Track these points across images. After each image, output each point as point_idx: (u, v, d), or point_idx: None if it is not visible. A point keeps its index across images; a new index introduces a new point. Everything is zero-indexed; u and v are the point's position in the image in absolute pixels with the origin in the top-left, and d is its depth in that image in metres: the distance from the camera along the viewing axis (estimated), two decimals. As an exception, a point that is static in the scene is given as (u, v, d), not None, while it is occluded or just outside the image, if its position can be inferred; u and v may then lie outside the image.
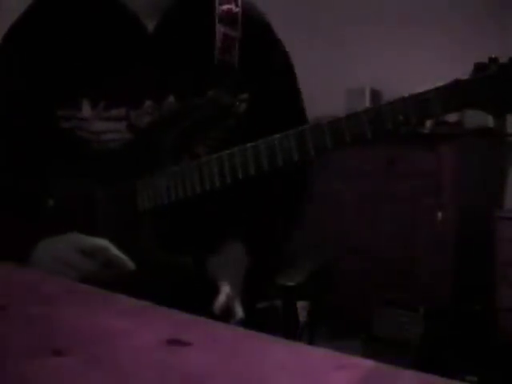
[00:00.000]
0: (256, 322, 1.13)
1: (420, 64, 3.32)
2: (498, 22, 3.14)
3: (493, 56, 0.94)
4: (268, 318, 1.19)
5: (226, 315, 0.98)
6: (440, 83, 0.95)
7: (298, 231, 1.22)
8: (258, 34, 1.15)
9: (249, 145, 1.00)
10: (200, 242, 1.11)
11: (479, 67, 0.94)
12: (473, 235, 2.93)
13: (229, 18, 1.12)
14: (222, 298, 1.00)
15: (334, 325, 2.93)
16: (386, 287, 3.01)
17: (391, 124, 0.95)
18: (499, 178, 3.17)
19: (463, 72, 0.93)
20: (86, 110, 1.09)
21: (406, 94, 0.95)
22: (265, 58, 1.16)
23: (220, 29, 1.11)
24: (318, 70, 3.40)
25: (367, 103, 3.44)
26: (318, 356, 0.50)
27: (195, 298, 0.94)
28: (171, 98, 1.09)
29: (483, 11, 3.19)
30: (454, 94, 0.94)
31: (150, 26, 1.11)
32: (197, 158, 1.05)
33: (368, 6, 3.51)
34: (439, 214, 2.89)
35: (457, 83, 0.94)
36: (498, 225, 2.81)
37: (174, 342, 0.51)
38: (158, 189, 1.04)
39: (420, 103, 0.94)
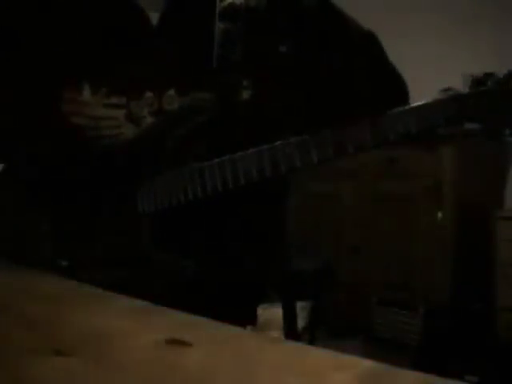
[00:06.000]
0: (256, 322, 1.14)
1: (419, 65, 3.32)
2: (496, 26, 3.14)
3: (488, 71, 0.99)
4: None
5: None
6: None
7: (298, 231, 1.22)
8: (262, 25, 1.15)
9: (251, 150, 1.01)
10: (200, 245, 1.11)
11: (477, 81, 0.97)
12: (473, 235, 2.93)
13: (230, 13, 1.12)
14: None
15: (334, 325, 2.93)
16: (386, 287, 3.01)
17: (393, 135, 0.97)
18: (499, 177, 3.17)
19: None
20: (87, 93, 1.09)
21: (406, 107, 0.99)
22: (270, 46, 1.15)
23: (219, 25, 1.11)
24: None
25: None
26: (318, 356, 0.50)
27: (195, 300, 0.94)
28: (172, 92, 1.09)
29: (482, 15, 3.20)
30: (454, 108, 0.97)
31: (154, 17, 1.12)
32: (198, 159, 1.05)
33: (368, 7, 3.51)
34: (439, 214, 2.90)
35: (457, 97, 0.97)
36: (498, 225, 2.81)
37: (174, 342, 0.51)
38: (159, 192, 1.04)
39: (421, 115, 0.97)
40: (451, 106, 0.97)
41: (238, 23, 1.11)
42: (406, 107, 0.99)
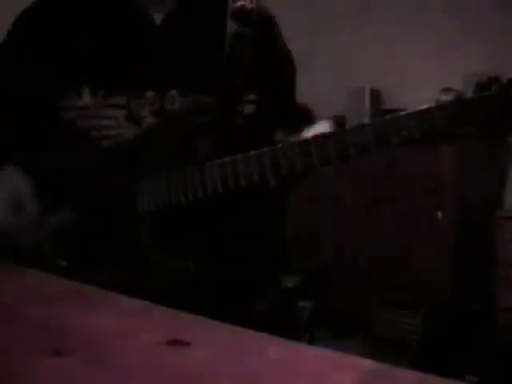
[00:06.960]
0: (256, 322, 1.13)
1: (420, 64, 3.32)
2: (496, 25, 3.14)
3: (493, 75, 0.97)
4: (267, 318, 1.19)
5: None
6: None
7: (298, 231, 1.22)
8: (269, 33, 1.16)
9: (252, 152, 1.00)
10: (200, 245, 1.11)
11: (481, 86, 0.96)
12: (473, 235, 2.93)
13: (242, 15, 1.12)
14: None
15: (334, 325, 2.93)
16: (386, 287, 3.01)
17: (395, 138, 0.96)
18: (499, 178, 3.17)
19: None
20: (86, 97, 1.09)
21: (409, 110, 0.97)
22: (275, 58, 1.17)
23: (232, 25, 1.11)
24: (319, 71, 3.40)
25: (367, 103, 3.43)
26: (318, 356, 0.50)
27: (195, 300, 0.94)
28: (174, 92, 1.09)
29: (482, 14, 3.20)
30: (457, 112, 0.96)
31: (158, 17, 1.12)
32: (200, 160, 1.05)
33: (368, 7, 3.51)
34: (439, 214, 2.89)
35: (460, 101, 0.97)
36: (498, 225, 2.81)
37: (174, 342, 0.51)
38: (159, 191, 1.04)
39: (424, 119, 0.96)
40: (454, 111, 0.96)
41: (248, 27, 1.12)
42: (409, 111, 0.98)
